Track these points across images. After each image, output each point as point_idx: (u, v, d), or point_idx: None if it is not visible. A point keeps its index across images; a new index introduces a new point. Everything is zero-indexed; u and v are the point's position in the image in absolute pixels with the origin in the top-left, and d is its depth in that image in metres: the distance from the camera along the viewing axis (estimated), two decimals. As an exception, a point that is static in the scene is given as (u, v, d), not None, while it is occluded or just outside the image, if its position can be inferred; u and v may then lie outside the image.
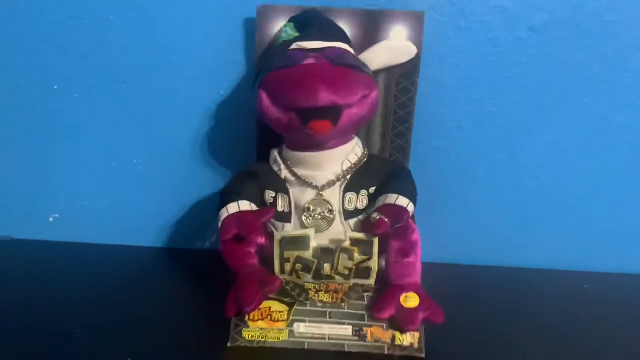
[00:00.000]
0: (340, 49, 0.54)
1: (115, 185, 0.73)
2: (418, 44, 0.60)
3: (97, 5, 0.65)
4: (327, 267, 0.52)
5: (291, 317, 0.53)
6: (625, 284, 0.69)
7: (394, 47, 0.60)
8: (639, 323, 0.60)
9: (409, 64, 0.60)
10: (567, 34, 0.63)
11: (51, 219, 0.75)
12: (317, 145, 0.53)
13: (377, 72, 0.59)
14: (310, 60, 0.52)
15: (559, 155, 0.68)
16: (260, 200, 0.56)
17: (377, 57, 0.58)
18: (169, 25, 0.65)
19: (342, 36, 0.56)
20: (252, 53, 0.64)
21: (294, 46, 0.54)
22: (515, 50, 0.64)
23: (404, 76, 0.61)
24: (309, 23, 0.55)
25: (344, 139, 0.54)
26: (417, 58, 0.60)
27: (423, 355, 0.51)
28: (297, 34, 0.55)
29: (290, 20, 0.57)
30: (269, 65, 0.54)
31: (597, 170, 0.68)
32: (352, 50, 0.56)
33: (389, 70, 0.61)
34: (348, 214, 0.54)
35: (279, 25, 0.60)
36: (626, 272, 0.71)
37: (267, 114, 0.53)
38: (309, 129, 0.50)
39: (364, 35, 0.60)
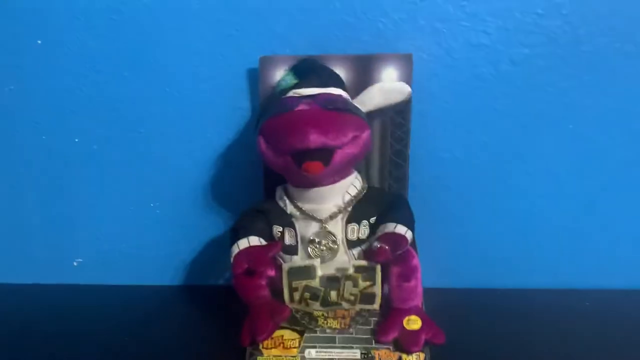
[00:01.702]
0: (332, 94, 0.57)
1: (134, 228, 0.77)
2: (408, 82, 0.64)
3: (112, 63, 0.70)
4: (333, 294, 0.55)
5: (302, 344, 0.56)
6: (625, 299, 0.71)
7: (388, 88, 0.63)
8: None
9: (402, 101, 0.64)
10: (547, 65, 0.67)
11: (75, 264, 0.79)
12: (314, 184, 0.57)
13: (372, 110, 0.62)
14: (303, 107, 0.55)
15: (549, 178, 0.71)
16: (268, 235, 0.60)
17: (372, 98, 0.61)
18: (179, 77, 0.70)
19: (337, 81, 0.60)
20: (255, 99, 0.68)
21: (291, 93, 0.58)
22: (500, 83, 0.68)
23: (397, 112, 0.65)
24: (306, 71, 0.60)
25: (341, 175, 0.58)
26: (409, 95, 0.64)
27: (428, 375, 0.54)
28: (295, 82, 0.59)
29: (290, 69, 0.61)
30: (266, 112, 0.58)
31: (587, 190, 0.71)
32: (346, 94, 0.59)
33: (384, 107, 0.63)
34: (351, 244, 0.58)
35: (279, 73, 0.64)
36: (625, 287, 0.73)
37: (266, 158, 0.57)
38: (303, 170, 0.53)
39: (358, 78, 0.64)
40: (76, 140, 0.74)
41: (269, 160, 0.57)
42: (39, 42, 0.70)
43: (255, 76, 0.68)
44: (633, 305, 0.70)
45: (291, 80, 0.60)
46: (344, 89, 0.60)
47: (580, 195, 0.72)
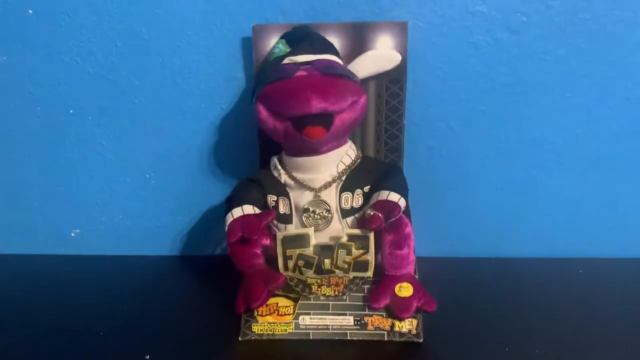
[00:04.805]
0: (329, 60, 0.58)
1: (130, 199, 0.77)
2: (403, 51, 0.63)
3: (105, 33, 0.70)
4: (327, 262, 0.55)
5: (296, 311, 0.57)
6: (616, 267, 0.72)
7: (379, 55, 0.63)
8: (632, 304, 0.63)
9: (397, 70, 0.64)
10: (545, 33, 0.66)
11: (73, 234, 0.80)
12: (313, 150, 0.57)
13: (366, 79, 0.62)
14: (302, 72, 0.56)
15: (545, 147, 0.71)
16: (263, 205, 0.60)
17: (364, 66, 0.62)
18: (172, 48, 0.70)
19: (330, 48, 0.60)
20: (249, 69, 0.68)
21: (286, 60, 0.57)
22: (496, 52, 0.67)
23: (392, 81, 0.65)
24: (300, 38, 0.59)
25: (337, 142, 0.58)
26: (404, 63, 0.64)
27: (421, 340, 0.55)
28: (288, 49, 0.59)
29: (282, 37, 0.61)
30: (264, 79, 0.57)
31: (582, 160, 0.71)
32: (340, 61, 0.59)
33: (378, 76, 0.64)
34: (345, 213, 0.58)
35: (272, 42, 0.64)
36: (617, 256, 0.74)
37: (265, 125, 0.57)
38: (304, 135, 0.54)
39: (353, 46, 0.64)
40: (71, 111, 0.74)
41: (268, 127, 0.57)
42: (30, 11, 0.70)
43: (248, 45, 0.67)
44: (625, 273, 0.70)
45: (284, 47, 0.60)
46: (338, 56, 0.60)
47: (575, 165, 0.72)
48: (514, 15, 0.66)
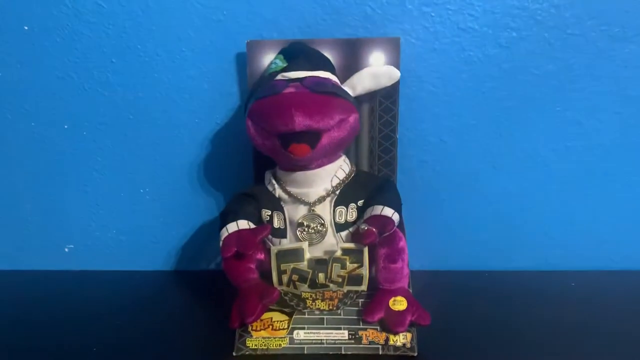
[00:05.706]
0: (320, 77, 0.57)
1: (124, 214, 0.77)
2: (395, 66, 0.64)
3: (100, 49, 0.70)
4: (321, 276, 0.55)
5: (291, 325, 0.57)
6: (609, 280, 0.72)
7: (378, 72, 0.62)
8: (626, 316, 0.63)
9: (391, 85, 0.64)
10: (535, 48, 0.67)
11: (66, 250, 0.80)
12: (301, 167, 0.57)
13: (361, 95, 0.62)
14: (290, 89, 0.56)
15: (537, 161, 0.72)
16: (257, 219, 0.60)
17: (362, 82, 0.61)
18: (167, 63, 0.70)
19: (326, 65, 0.60)
20: (244, 84, 0.69)
21: (279, 76, 0.58)
22: (487, 67, 0.68)
23: (385, 96, 0.65)
24: (295, 54, 0.60)
25: (329, 158, 0.58)
26: (398, 79, 0.63)
27: (415, 354, 0.55)
28: (285, 64, 0.59)
29: (280, 52, 0.61)
30: (254, 95, 0.58)
31: (574, 173, 0.72)
32: (335, 78, 0.60)
33: (371, 92, 0.64)
34: (339, 227, 0.58)
35: (267, 58, 0.64)
36: (609, 268, 0.75)
37: (254, 140, 0.57)
38: (289, 152, 0.54)
39: (345, 62, 0.64)
40: (65, 127, 0.74)
41: (256, 142, 0.57)
42: (26, 28, 0.70)
43: (243, 61, 0.68)
44: (618, 285, 0.71)
45: (281, 63, 0.60)
46: (334, 73, 0.61)
47: (566, 178, 0.73)
48: (504, 31, 0.67)
